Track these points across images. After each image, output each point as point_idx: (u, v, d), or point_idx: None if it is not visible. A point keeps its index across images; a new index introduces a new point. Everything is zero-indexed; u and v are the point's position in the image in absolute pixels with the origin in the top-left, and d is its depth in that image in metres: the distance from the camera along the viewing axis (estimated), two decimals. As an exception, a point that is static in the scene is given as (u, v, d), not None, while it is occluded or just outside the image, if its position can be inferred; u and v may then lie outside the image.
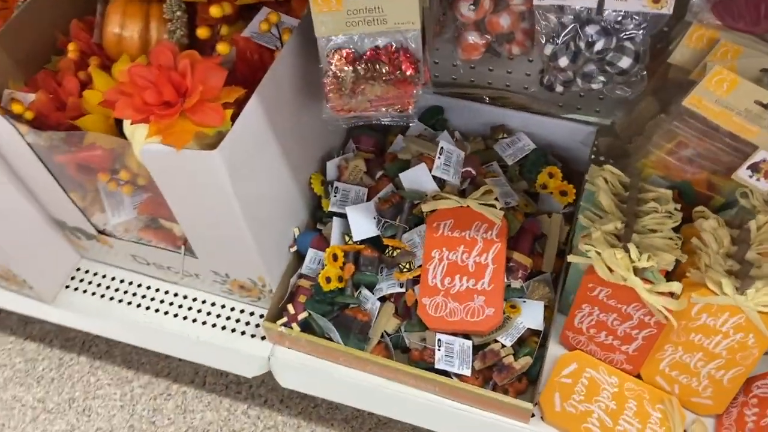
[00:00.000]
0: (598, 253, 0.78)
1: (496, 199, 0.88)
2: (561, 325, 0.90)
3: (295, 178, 0.90)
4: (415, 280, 0.88)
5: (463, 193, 0.92)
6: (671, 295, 0.78)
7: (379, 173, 0.98)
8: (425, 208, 0.89)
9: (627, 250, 0.77)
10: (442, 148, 0.91)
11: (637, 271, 0.77)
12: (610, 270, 0.77)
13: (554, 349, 0.91)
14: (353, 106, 0.78)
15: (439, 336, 0.85)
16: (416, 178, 0.92)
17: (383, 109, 0.78)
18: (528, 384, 0.87)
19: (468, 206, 0.88)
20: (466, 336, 0.86)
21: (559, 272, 0.92)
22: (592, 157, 1.03)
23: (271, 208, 0.86)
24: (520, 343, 0.87)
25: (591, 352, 0.90)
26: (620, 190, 0.86)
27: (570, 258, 0.81)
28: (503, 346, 0.85)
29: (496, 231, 0.86)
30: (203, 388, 1.15)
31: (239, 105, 0.73)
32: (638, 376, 0.88)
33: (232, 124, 0.71)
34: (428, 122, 1.05)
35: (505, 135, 1.03)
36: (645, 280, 0.77)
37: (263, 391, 1.14)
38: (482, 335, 0.85)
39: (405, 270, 0.88)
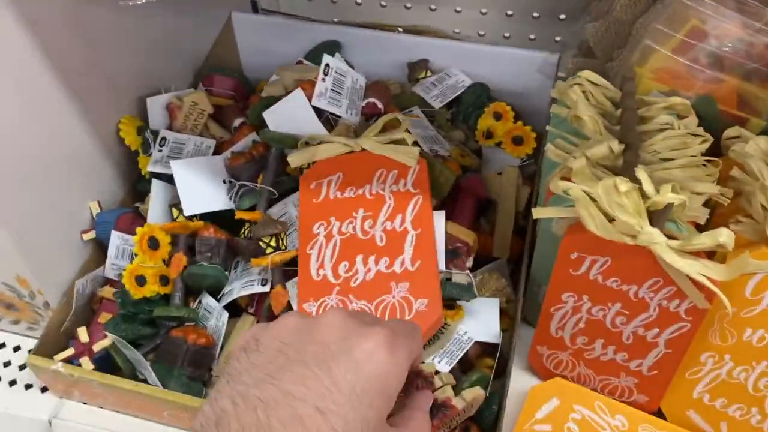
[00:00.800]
0: (587, 194, 0.45)
1: (408, 131, 0.54)
2: (528, 341, 0.56)
3: (85, 118, 0.55)
4: (288, 272, 0.53)
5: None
6: (710, 257, 0.45)
7: (238, 122, 0.64)
8: (294, 160, 0.55)
9: (636, 181, 0.44)
10: (327, 65, 0.58)
11: (652, 219, 0.44)
12: (610, 220, 0.44)
13: (519, 379, 0.56)
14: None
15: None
16: (289, 116, 0.58)
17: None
18: (481, 437, 0.52)
19: (363, 150, 0.54)
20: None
21: (519, 258, 0.59)
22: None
23: (31, 163, 0.51)
24: (464, 369, 0.52)
25: (580, 379, 0.55)
26: (608, 107, 0.54)
27: (536, 212, 0.48)
28: (437, 372, 0.50)
29: (412, 178, 0.53)
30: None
31: None
32: (659, 414, 0.54)
33: None
34: (317, 62, 0.72)
35: (430, 73, 0.71)
36: (668, 236, 0.44)
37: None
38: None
39: (268, 249, 0.53)
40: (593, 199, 0.45)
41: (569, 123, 0.54)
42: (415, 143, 0.54)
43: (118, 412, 0.55)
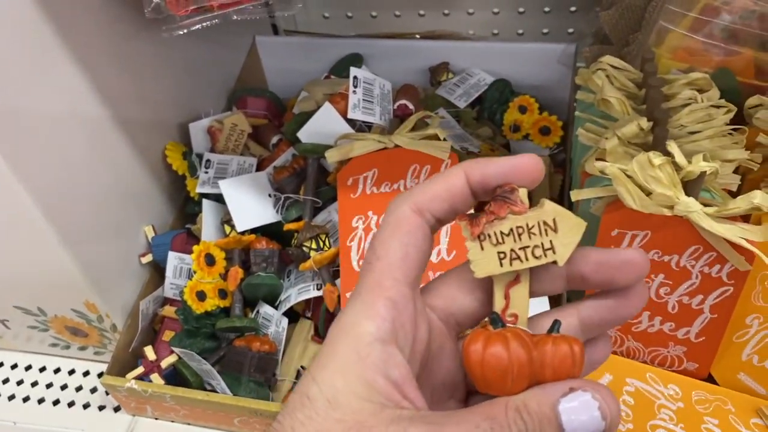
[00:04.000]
0: (622, 171, 0.47)
1: (439, 127, 0.57)
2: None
3: (136, 147, 0.58)
4: (337, 272, 0.56)
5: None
6: (745, 221, 0.47)
7: (276, 139, 0.67)
8: (331, 155, 0.57)
9: (668, 154, 0.46)
10: (355, 77, 0.61)
11: (687, 189, 0.46)
12: (646, 194, 0.46)
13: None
14: (189, -13, 0.48)
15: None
16: (323, 130, 0.61)
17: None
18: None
19: (397, 146, 0.57)
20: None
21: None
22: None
23: (93, 193, 0.54)
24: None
25: (629, 353, 0.57)
26: (631, 89, 0.56)
27: (575, 194, 0.50)
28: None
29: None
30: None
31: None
32: (710, 380, 0.56)
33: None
34: (342, 75, 0.75)
35: (451, 75, 0.74)
36: (703, 204, 0.46)
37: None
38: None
39: (311, 252, 0.55)
40: (629, 176, 0.47)
41: (596, 108, 0.56)
42: (446, 139, 0.56)
43: (189, 424, 0.58)
